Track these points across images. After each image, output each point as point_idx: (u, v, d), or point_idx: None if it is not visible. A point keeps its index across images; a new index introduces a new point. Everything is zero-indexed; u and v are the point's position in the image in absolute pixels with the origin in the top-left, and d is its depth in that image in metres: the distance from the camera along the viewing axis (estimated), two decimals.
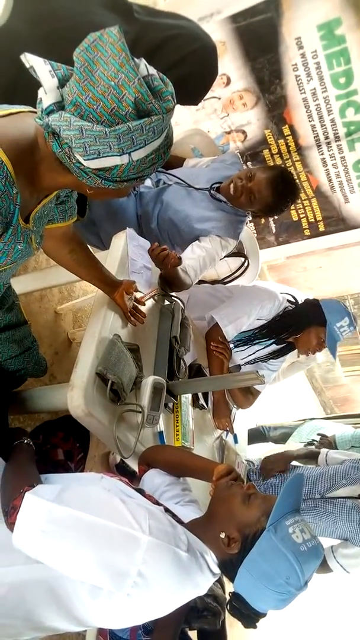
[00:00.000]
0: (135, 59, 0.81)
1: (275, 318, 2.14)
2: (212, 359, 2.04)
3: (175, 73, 1.49)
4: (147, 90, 0.80)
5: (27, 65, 0.81)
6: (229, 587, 1.05)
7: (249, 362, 2.23)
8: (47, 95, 0.82)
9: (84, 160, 0.83)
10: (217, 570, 1.02)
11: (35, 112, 0.92)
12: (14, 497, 0.93)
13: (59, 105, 0.82)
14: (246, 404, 2.26)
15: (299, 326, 2.11)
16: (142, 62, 0.82)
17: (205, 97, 1.73)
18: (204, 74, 1.61)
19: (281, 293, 2.19)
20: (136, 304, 1.51)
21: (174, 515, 1.05)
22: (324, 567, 2.02)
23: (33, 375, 1.47)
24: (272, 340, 2.17)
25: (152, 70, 0.83)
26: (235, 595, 1.01)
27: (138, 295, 1.55)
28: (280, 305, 2.15)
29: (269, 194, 1.87)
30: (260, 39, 2.61)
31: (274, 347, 2.19)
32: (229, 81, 2.82)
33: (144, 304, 1.57)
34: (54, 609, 0.93)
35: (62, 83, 0.83)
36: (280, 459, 2.26)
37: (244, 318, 2.09)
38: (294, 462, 2.31)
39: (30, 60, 0.81)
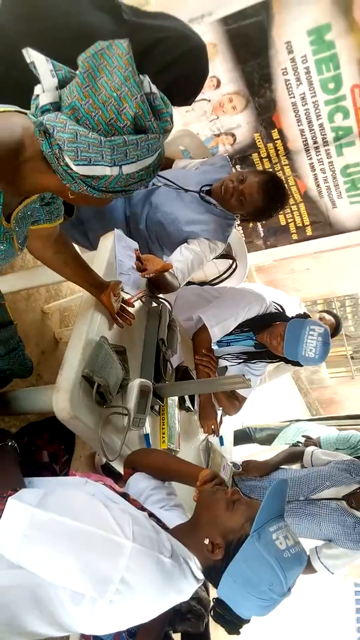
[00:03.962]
0: (140, 75, 0.81)
1: (256, 317, 2.15)
2: (199, 372, 2.05)
3: (168, 75, 1.49)
4: (148, 108, 0.81)
5: (28, 61, 0.80)
6: (214, 591, 1.05)
7: (227, 359, 2.23)
8: (44, 94, 0.81)
9: (74, 164, 0.82)
10: (200, 576, 1.01)
11: (22, 112, 0.91)
12: None
13: (56, 106, 0.81)
14: (232, 410, 2.25)
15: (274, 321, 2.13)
16: (146, 79, 0.82)
17: (196, 99, 1.73)
18: (196, 74, 1.60)
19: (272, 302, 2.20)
20: (124, 305, 1.50)
21: (158, 520, 1.04)
22: (309, 567, 2.03)
23: (19, 376, 1.45)
24: (249, 335, 2.16)
25: (155, 89, 0.83)
26: (218, 602, 1.01)
27: (126, 296, 1.55)
28: (267, 309, 2.16)
29: (260, 198, 1.87)
30: (250, 42, 2.61)
31: (253, 348, 2.19)
32: (219, 84, 2.82)
33: (133, 306, 1.56)
34: (37, 615, 0.92)
35: (61, 84, 0.82)
36: (260, 467, 2.29)
37: (231, 320, 2.09)
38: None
39: (31, 55, 0.79)
